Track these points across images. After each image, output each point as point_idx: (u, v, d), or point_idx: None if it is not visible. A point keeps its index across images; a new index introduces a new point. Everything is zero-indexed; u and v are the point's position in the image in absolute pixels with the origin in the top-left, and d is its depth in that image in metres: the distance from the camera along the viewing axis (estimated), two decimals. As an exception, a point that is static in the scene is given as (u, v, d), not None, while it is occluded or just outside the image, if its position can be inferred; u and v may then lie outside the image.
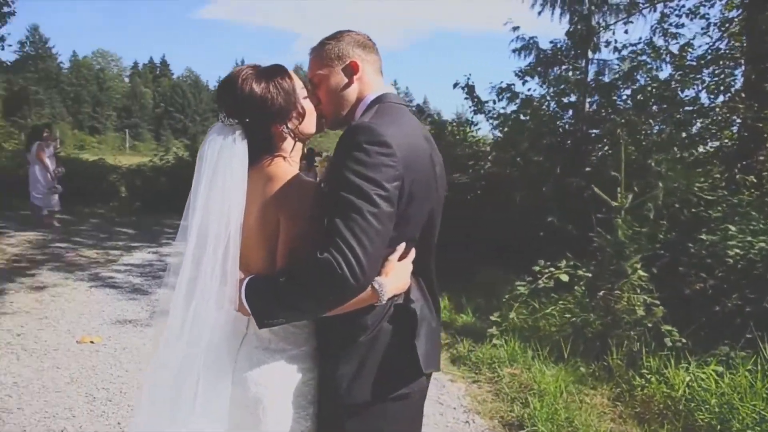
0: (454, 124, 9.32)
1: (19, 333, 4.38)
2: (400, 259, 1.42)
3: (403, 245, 1.42)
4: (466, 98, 8.95)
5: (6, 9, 14.38)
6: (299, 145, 1.56)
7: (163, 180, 14.61)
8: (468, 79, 9.07)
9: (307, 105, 1.53)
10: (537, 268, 4.71)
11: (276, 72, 1.48)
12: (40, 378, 3.52)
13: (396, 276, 1.40)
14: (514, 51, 8.20)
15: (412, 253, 1.45)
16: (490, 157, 8.03)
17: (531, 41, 8.03)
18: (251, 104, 1.42)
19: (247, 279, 1.39)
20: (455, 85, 9.04)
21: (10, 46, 16.80)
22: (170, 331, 1.43)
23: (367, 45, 1.55)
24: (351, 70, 1.50)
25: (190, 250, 1.44)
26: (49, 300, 5.36)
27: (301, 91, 1.51)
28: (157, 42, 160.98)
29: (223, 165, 1.42)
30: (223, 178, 1.42)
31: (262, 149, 1.48)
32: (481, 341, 4.56)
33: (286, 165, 1.50)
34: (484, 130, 9.45)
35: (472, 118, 9.03)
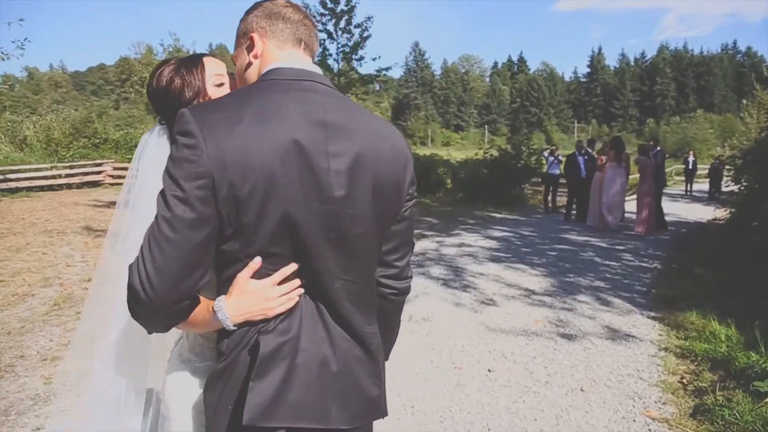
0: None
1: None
2: (261, 278, 1.13)
3: (257, 261, 1.11)
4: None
5: (365, 34, 17.34)
6: None
7: (484, 172, 15.28)
8: None
9: (217, 92, 1.45)
10: None
11: (185, 62, 1.45)
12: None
13: (248, 298, 1.13)
14: None
15: (283, 273, 1.13)
16: None
17: None
18: (159, 96, 1.45)
19: None
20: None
21: (396, 64, 20.69)
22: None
23: (275, 13, 1.25)
24: (251, 47, 1.25)
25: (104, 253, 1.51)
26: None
27: (213, 78, 1.45)
28: (516, 40, 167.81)
29: (145, 157, 1.48)
30: (143, 168, 1.47)
31: None
32: (754, 395, 3.23)
33: None
34: None
35: None
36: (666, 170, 18.88)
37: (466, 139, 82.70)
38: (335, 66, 18.07)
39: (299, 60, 1.22)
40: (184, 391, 1.35)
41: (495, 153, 15.70)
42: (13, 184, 14.02)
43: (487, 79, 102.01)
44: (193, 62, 1.43)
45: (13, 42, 11.94)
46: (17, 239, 7.91)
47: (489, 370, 3.75)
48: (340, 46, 17.77)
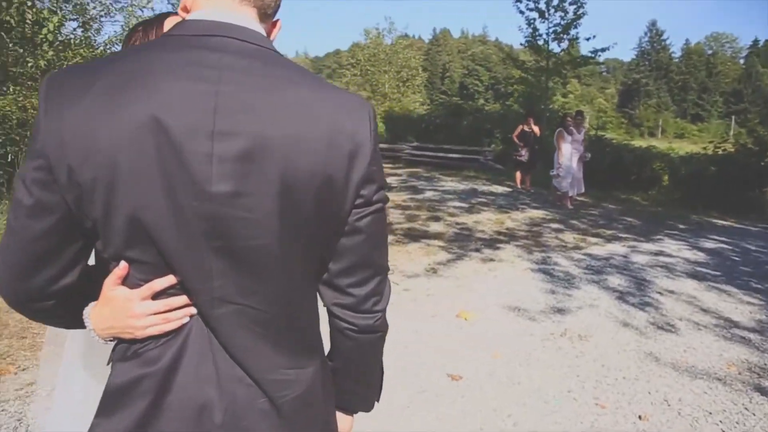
0: None
1: (430, 294, 4.98)
2: (132, 288, 0.89)
3: (122, 266, 0.86)
4: None
5: (580, 11, 15.98)
6: None
7: (711, 170, 12.94)
8: None
9: None
10: None
11: (147, 23, 1.35)
12: (402, 337, 3.88)
13: (111, 309, 0.90)
14: None
15: (152, 286, 0.86)
16: None
17: None
18: None
19: None
20: None
21: (615, 44, 18.69)
22: None
23: None
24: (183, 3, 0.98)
25: None
26: (482, 270, 5.81)
27: None
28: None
29: None
30: None
31: None
32: None
33: None
34: None
35: None
36: None
37: (705, 131, 71.78)
38: (547, 47, 17.05)
39: (224, 11, 0.88)
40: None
41: (730, 148, 13.19)
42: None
43: (741, 61, 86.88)
44: (152, 23, 1.32)
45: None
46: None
47: (639, 417, 3.00)
48: (552, 25, 16.67)
